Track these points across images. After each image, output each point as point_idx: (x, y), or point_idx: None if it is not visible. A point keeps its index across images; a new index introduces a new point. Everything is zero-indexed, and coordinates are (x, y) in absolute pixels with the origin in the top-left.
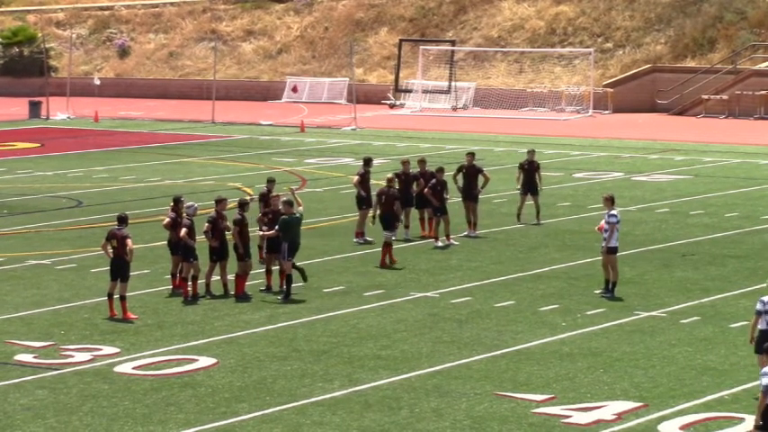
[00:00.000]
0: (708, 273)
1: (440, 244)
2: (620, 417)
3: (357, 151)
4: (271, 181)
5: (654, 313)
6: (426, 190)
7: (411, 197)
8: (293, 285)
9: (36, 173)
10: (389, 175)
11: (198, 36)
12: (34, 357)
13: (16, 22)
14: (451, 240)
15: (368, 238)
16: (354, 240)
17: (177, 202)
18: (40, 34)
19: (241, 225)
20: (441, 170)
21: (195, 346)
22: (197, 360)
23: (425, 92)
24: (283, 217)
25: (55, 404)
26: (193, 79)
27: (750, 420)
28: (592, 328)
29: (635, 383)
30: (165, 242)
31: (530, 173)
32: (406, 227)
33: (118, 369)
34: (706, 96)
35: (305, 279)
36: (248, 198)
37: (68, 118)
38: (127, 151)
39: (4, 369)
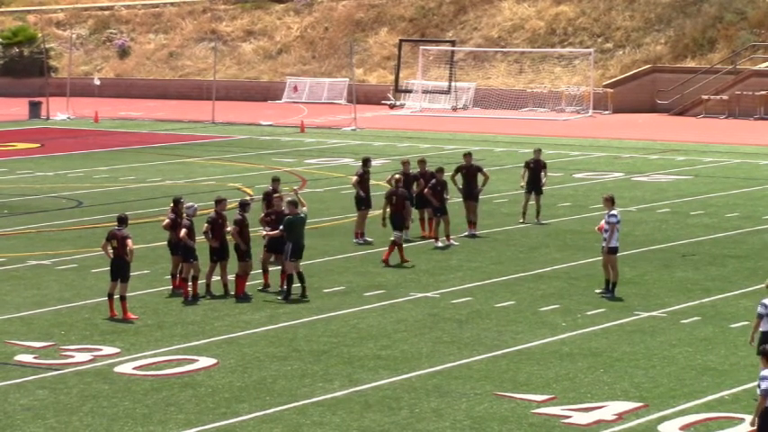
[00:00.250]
0: (708, 273)
1: (440, 244)
2: (621, 417)
3: (357, 151)
4: (276, 180)
5: (654, 313)
6: (426, 190)
7: (411, 197)
8: (293, 285)
9: (37, 173)
10: (397, 176)
11: (198, 36)
12: (34, 357)
13: (16, 23)
14: (451, 241)
15: (368, 239)
16: (354, 241)
17: (177, 202)
18: (40, 34)
19: (241, 225)
20: (440, 170)
21: (195, 346)
22: (197, 360)
23: (425, 92)
24: (288, 217)
25: (55, 404)
26: (193, 79)
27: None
28: (592, 329)
29: (635, 384)
30: (166, 242)
31: (535, 172)
32: (406, 227)
33: (118, 369)
34: (706, 97)
35: (303, 294)
36: (249, 198)
37: (68, 118)
38: (127, 151)
39: (4, 369)
